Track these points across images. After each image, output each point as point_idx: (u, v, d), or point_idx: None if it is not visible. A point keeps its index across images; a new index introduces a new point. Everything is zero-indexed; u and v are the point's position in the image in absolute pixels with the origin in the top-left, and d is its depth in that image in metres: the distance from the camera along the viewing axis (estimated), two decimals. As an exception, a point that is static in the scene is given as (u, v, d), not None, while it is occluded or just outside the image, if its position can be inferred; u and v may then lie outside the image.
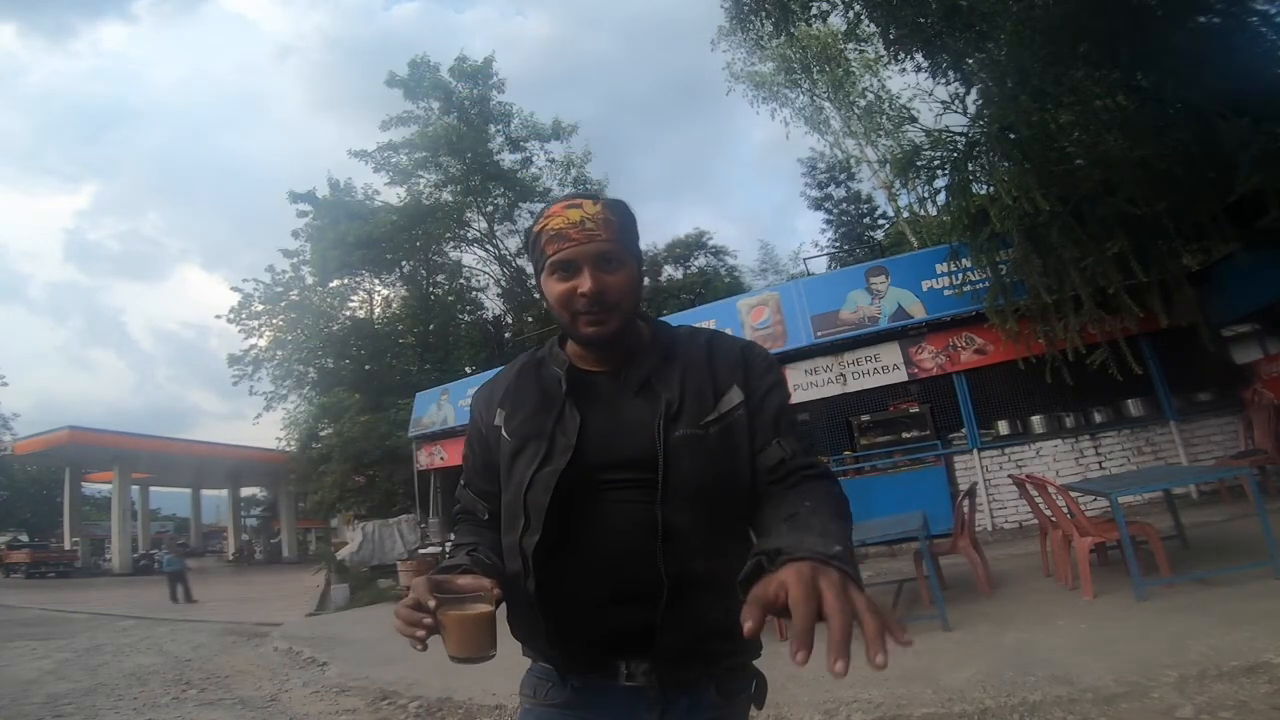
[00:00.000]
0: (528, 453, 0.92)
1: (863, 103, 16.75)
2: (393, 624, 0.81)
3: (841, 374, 7.90)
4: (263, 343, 20.29)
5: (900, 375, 7.67)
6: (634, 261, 0.95)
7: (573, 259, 0.89)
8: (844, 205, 23.08)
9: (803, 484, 0.88)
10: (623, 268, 0.91)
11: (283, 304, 20.29)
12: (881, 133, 16.62)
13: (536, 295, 21.10)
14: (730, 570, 0.83)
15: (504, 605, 0.90)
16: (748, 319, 8.46)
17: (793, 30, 9.10)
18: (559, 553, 0.88)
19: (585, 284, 0.88)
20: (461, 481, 1.07)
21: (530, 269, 1.01)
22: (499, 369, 1.10)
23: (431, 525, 11.94)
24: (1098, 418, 7.15)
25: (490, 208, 21.13)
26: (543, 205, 0.98)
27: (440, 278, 21.42)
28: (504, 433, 0.97)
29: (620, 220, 0.93)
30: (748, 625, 0.61)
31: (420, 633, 0.78)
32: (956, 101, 7.37)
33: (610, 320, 0.90)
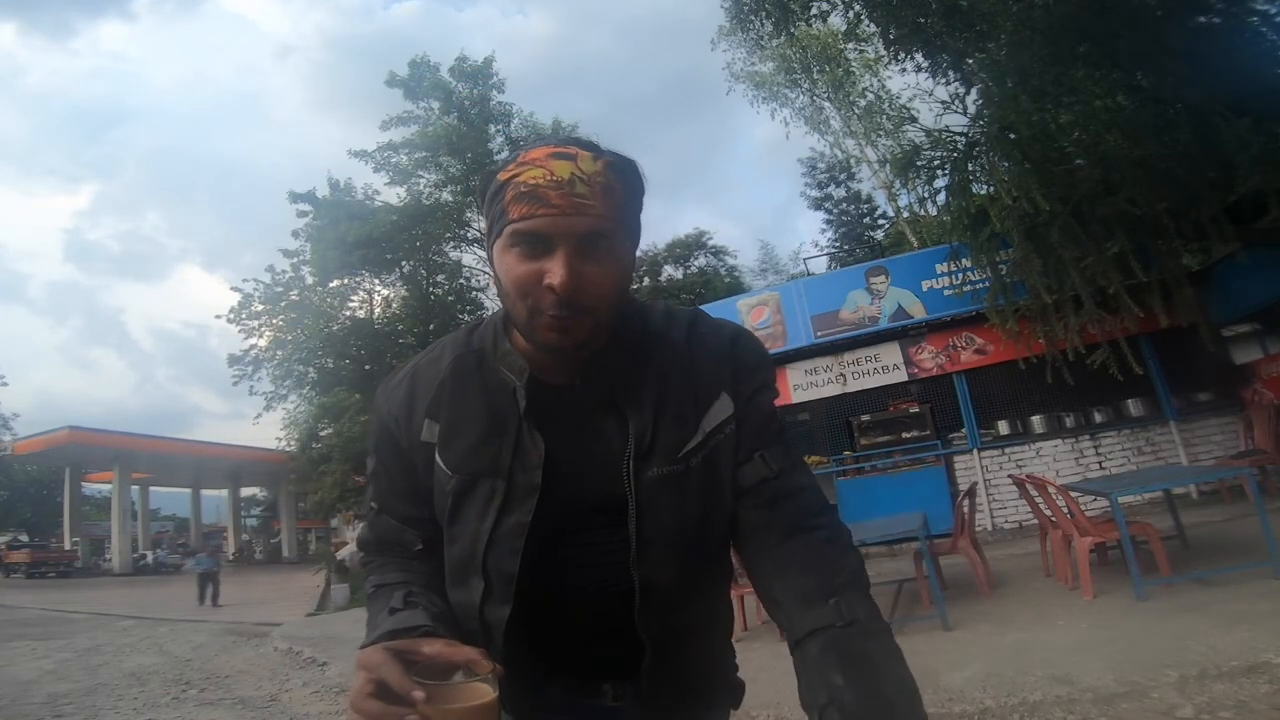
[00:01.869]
0: (480, 494, 0.71)
1: (863, 103, 16.75)
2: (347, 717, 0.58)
3: (841, 374, 7.90)
4: (263, 343, 20.28)
5: (900, 375, 7.67)
6: (630, 244, 0.70)
7: (545, 233, 0.62)
8: (844, 205, 23.09)
9: (806, 544, 0.70)
10: (611, 257, 0.66)
11: (283, 304, 20.28)
12: (881, 133, 16.63)
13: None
14: (715, 616, 0.81)
15: None
16: (748, 319, 8.46)
17: (793, 30, 9.10)
18: (524, 623, 0.72)
19: (557, 274, 0.62)
20: (374, 506, 0.81)
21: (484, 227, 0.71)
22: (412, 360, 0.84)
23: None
24: (1098, 418, 7.16)
25: (490, 208, 21.13)
26: (519, 144, 0.70)
27: (440, 278, 21.42)
28: (440, 462, 0.73)
29: (625, 188, 0.67)
30: None
31: None
32: (956, 101, 7.37)
33: (578, 328, 0.65)
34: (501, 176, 0.66)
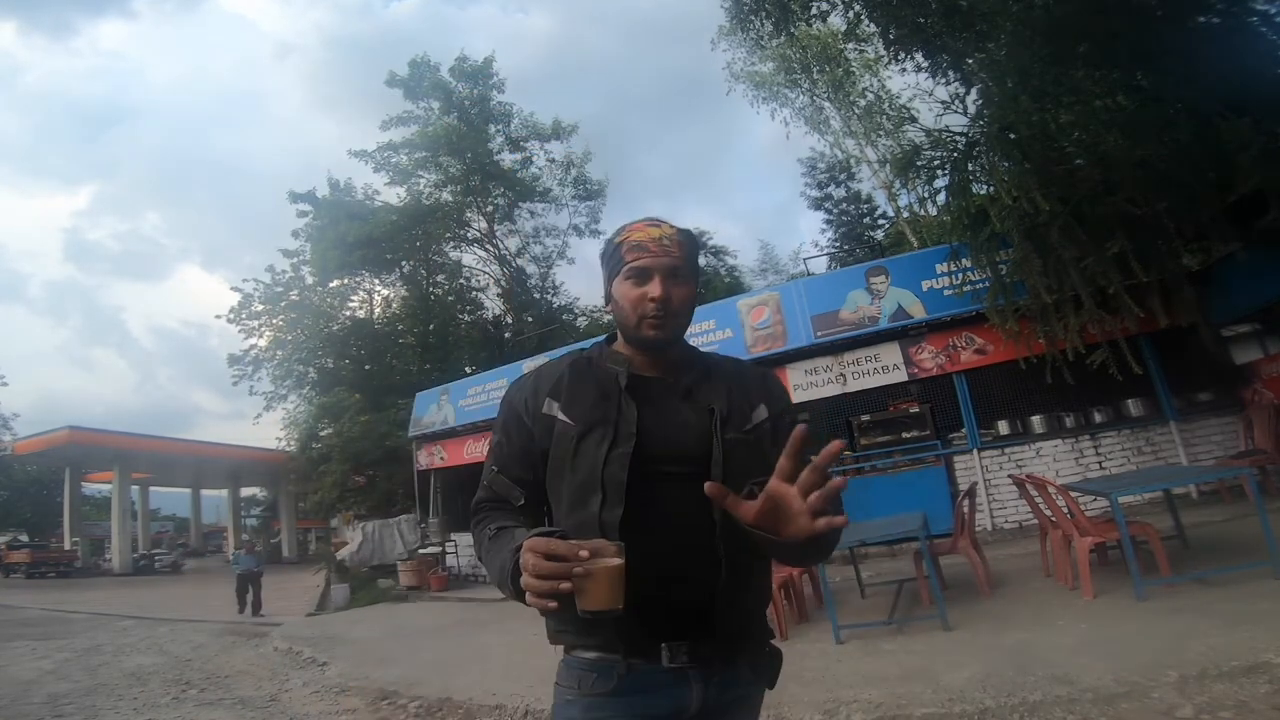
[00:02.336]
0: (595, 435, 0.99)
1: (863, 103, 16.75)
2: (525, 583, 0.81)
3: (841, 374, 7.90)
4: (263, 343, 20.30)
5: (900, 375, 7.67)
6: (695, 281, 1.09)
7: (649, 268, 1.01)
8: (844, 205, 23.10)
9: None
10: (686, 285, 1.05)
11: (283, 304, 20.28)
12: (881, 133, 16.63)
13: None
14: (762, 559, 1.01)
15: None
16: (748, 319, 8.46)
17: (793, 30, 9.11)
18: (630, 532, 0.92)
19: (656, 290, 1.00)
20: (494, 468, 1.09)
21: (601, 275, 1.12)
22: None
23: (431, 525, 11.93)
24: (1098, 418, 7.15)
25: (490, 208, 21.16)
26: (622, 227, 1.09)
27: (440, 278, 21.43)
28: (563, 418, 1.03)
29: (689, 246, 1.06)
30: (708, 487, 0.82)
31: (566, 585, 0.78)
32: (956, 101, 7.38)
33: (669, 327, 1.02)
34: (616, 240, 1.06)
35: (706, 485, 0.82)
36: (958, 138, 6.80)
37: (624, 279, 1.04)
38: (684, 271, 1.04)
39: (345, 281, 20.68)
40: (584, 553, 0.78)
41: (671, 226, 1.06)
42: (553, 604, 0.78)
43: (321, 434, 17.47)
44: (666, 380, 1.07)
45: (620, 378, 1.04)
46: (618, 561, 0.81)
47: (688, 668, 0.94)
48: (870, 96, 16.64)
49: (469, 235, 21.47)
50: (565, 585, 0.77)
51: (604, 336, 1.18)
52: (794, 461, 0.79)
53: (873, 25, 8.02)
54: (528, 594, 0.81)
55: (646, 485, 0.96)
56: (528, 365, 10.37)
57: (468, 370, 17.26)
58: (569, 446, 1.01)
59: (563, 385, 1.06)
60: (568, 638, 1.01)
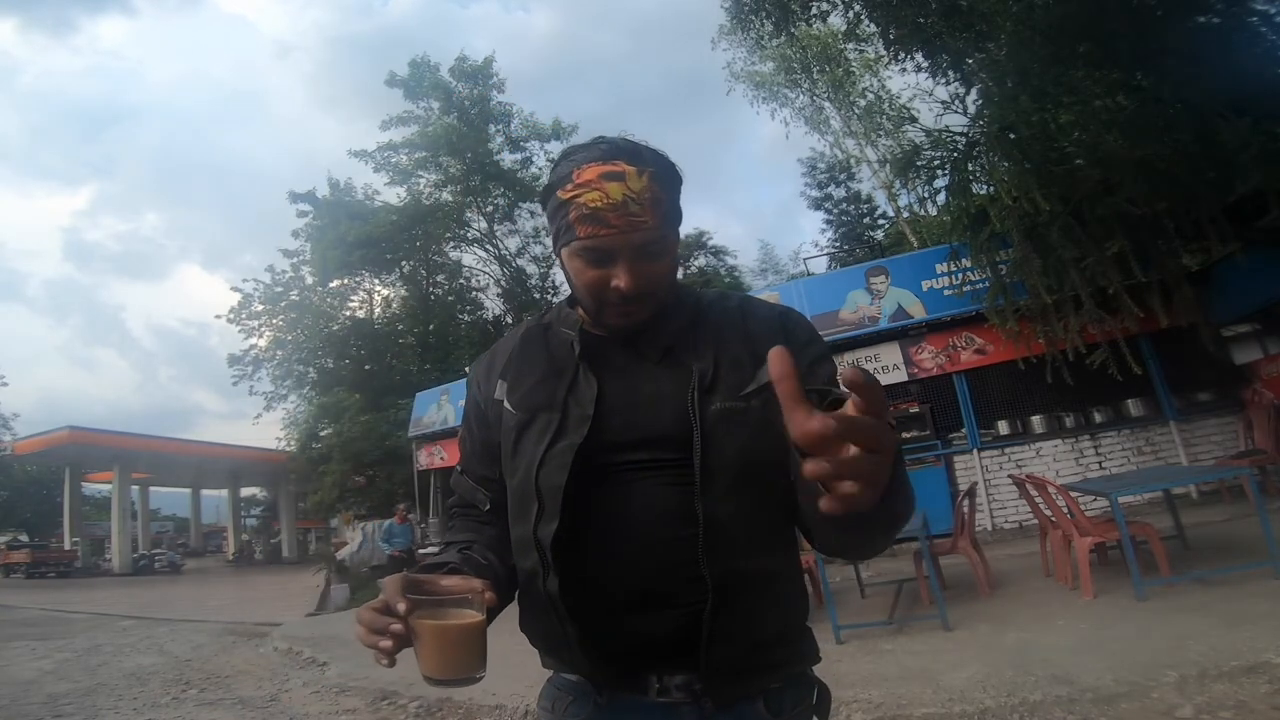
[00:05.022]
0: (537, 426, 0.80)
1: (863, 103, 16.76)
2: (356, 635, 0.67)
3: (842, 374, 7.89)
4: (263, 343, 20.34)
5: (900, 375, 7.67)
6: (675, 241, 0.81)
7: (609, 248, 0.74)
8: (844, 205, 23.09)
9: None
10: (663, 255, 0.77)
11: (283, 304, 20.31)
12: (881, 133, 16.63)
13: (537, 274, 21.47)
14: (781, 568, 0.78)
15: (518, 607, 0.81)
16: (748, 319, 8.45)
17: (793, 30, 9.10)
18: (579, 546, 0.75)
19: (623, 280, 0.74)
20: (458, 469, 0.93)
21: (547, 229, 0.85)
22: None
23: (431, 525, 11.94)
24: (1098, 418, 7.15)
25: (490, 208, 21.16)
26: (569, 156, 0.78)
27: (440, 278, 21.45)
28: (507, 405, 0.83)
29: (668, 196, 0.77)
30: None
31: (386, 643, 0.63)
32: (956, 101, 7.37)
33: (641, 311, 0.78)
34: (561, 195, 0.76)
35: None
36: (958, 138, 6.80)
37: (575, 256, 0.76)
38: (660, 240, 0.76)
39: (345, 281, 20.70)
40: (402, 606, 0.63)
41: (640, 170, 0.74)
42: (384, 661, 0.64)
43: (321, 434, 17.50)
44: (636, 338, 0.81)
45: (574, 343, 0.82)
46: (463, 620, 0.64)
47: (680, 703, 0.76)
48: (870, 96, 16.65)
49: (469, 235, 21.48)
50: (385, 643, 0.63)
51: (567, 298, 0.90)
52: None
53: (873, 25, 8.02)
54: None
55: (609, 482, 0.76)
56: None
57: (468, 370, 17.19)
58: (510, 441, 0.82)
59: (513, 361, 0.87)
60: (541, 655, 0.85)
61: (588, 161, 0.75)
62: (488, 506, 0.88)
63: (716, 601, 0.71)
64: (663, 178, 0.76)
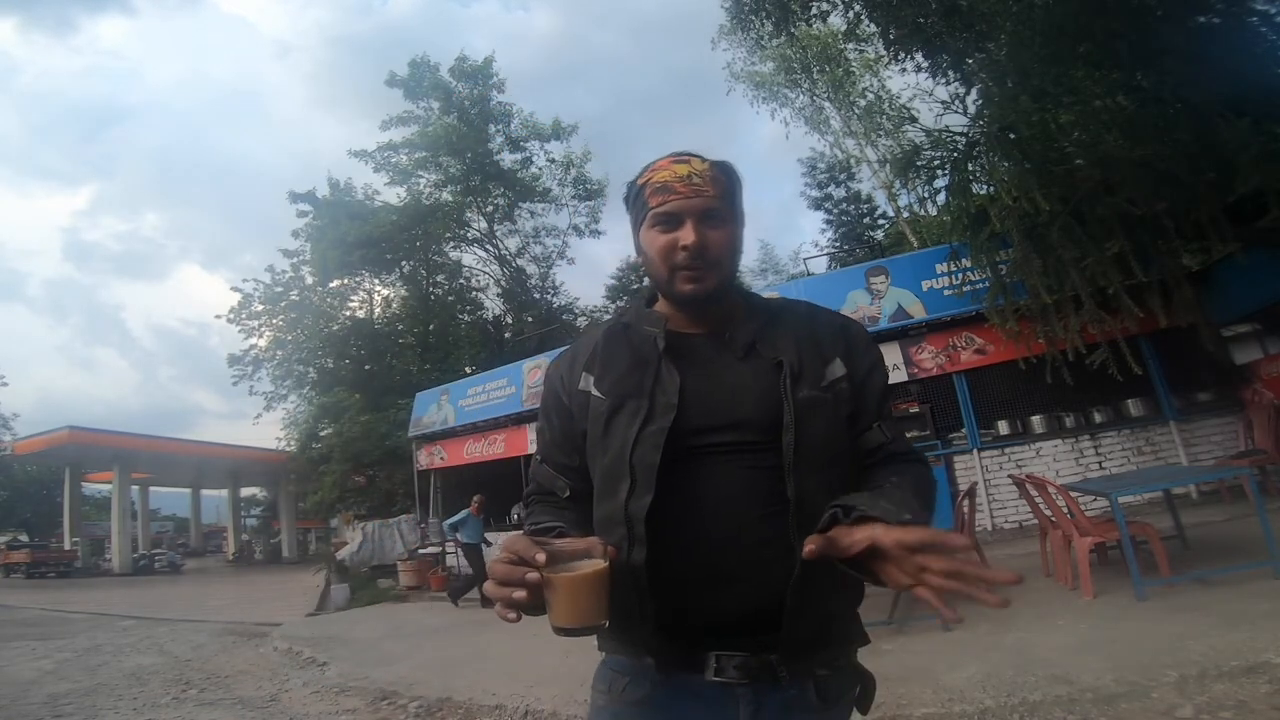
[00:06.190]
0: (627, 411, 0.86)
1: (863, 103, 16.77)
2: (486, 589, 0.71)
3: (841, 374, 7.89)
4: (263, 343, 20.30)
5: (900, 375, 7.66)
6: (738, 222, 0.91)
7: (677, 212, 0.85)
8: (844, 205, 23.08)
9: (894, 462, 0.88)
10: (726, 225, 0.88)
11: (283, 304, 20.28)
12: (881, 133, 16.65)
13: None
14: None
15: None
16: (748, 319, 8.44)
17: (793, 30, 9.09)
18: (666, 523, 0.79)
19: (688, 237, 0.84)
20: (538, 458, 0.99)
21: (629, 222, 0.96)
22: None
23: (431, 525, 11.93)
24: (1098, 418, 7.15)
25: (490, 208, 21.15)
26: (648, 165, 0.92)
27: (440, 278, 21.42)
28: (595, 393, 0.90)
29: (727, 180, 0.89)
30: (809, 548, 0.65)
31: (520, 594, 0.66)
32: (956, 101, 7.37)
33: (709, 278, 0.86)
34: (639, 182, 0.91)
35: (806, 547, 0.67)
36: (958, 138, 6.80)
37: (650, 227, 0.88)
38: (721, 211, 0.87)
39: (345, 281, 20.68)
40: (540, 556, 0.67)
41: (703, 160, 0.89)
42: (511, 615, 0.68)
43: (321, 434, 17.48)
44: (720, 336, 0.91)
45: (658, 340, 0.89)
46: (589, 570, 0.68)
47: (736, 683, 0.80)
48: (870, 96, 16.67)
49: (469, 235, 21.47)
50: (519, 594, 0.66)
51: (643, 297, 1.02)
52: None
53: (873, 25, 8.01)
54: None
55: (695, 464, 0.82)
56: (528, 365, 10.37)
57: (468, 370, 17.25)
58: (600, 425, 0.88)
59: (597, 356, 0.94)
60: (600, 638, 0.88)
61: (662, 158, 0.91)
62: (567, 493, 0.94)
63: (803, 574, 0.76)
64: (725, 169, 0.90)
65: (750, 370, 0.87)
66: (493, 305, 22.14)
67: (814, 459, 0.80)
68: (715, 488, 0.81)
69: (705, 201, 0.85)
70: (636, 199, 0.91)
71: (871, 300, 7.79)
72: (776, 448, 0.80)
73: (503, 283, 21.80)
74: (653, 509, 0.79)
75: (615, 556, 0.73)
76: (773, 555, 0.78)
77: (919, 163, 6.93)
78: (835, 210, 23.19)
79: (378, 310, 21.68)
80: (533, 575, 0.67)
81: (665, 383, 0.85)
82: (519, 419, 10.21)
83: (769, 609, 0.77)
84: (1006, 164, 6.36)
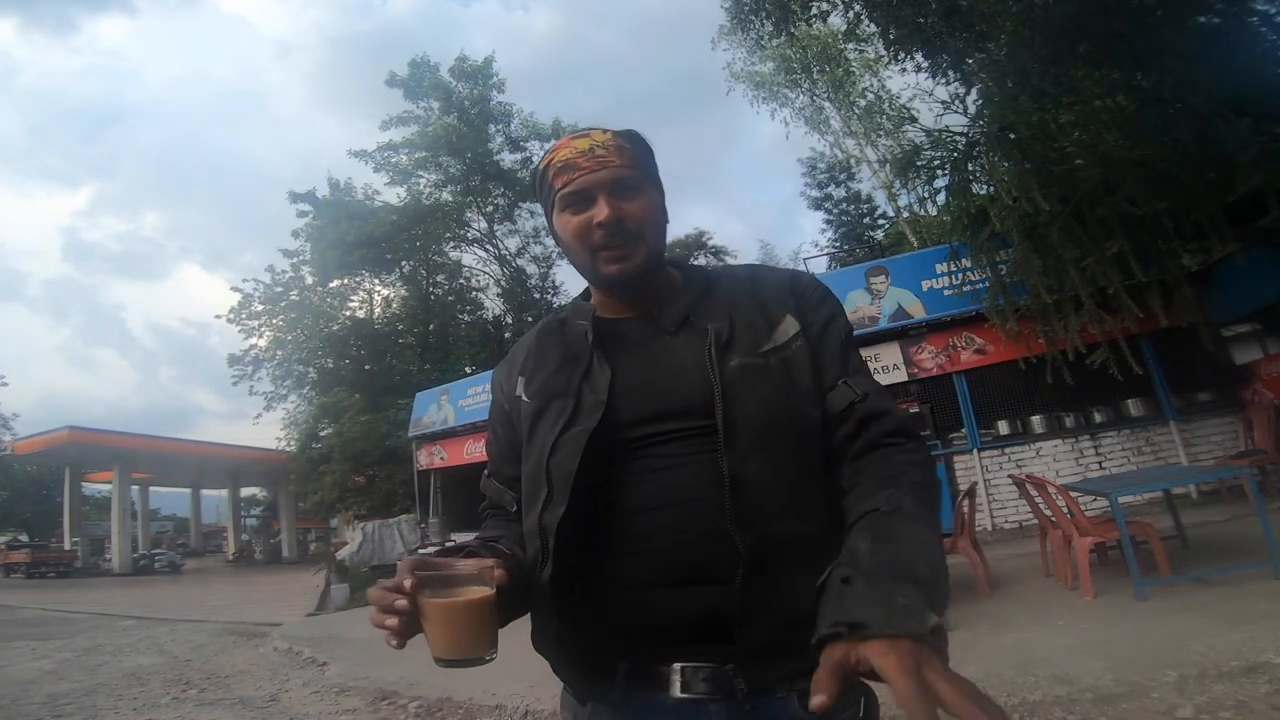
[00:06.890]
0: (550, 414, 0.79)
1: (863, 103, 16.77)
2: (369, 615, 0.65)
3: (841, 374, 7.89)
4: (263, 343, 20.32)
5: (900, 375, 7.66)
6: (655, 189, 0.84)
7: (585, 188, 0.78)
8: (844, 205, 23.07)
9: (880, 457, 0.73)
10: (641, 194, 0.80)
11: (283, 304, 20.30)
12: (881, 133, 16.65)
13: (539, 271, 21.49)
14: (818, 535, 0.72)
15: (529, 613, 0.78)
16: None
17: (793, 30, 9.09)
18: (594, 531, 0.73)
19: (601, 212, 0.77)
20: (486, 473, 0.93)
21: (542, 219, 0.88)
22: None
23: (431, 525, 11.94)
24: (1098, 418, 7.15)
25: (490, 208, 21.15)
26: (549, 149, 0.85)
27: (440, 278, 21.43)
28: (524, 397, 0.84)
29: (634, 147, 0.82)
30: (818, 699, 0.51)
31: (391, 621, 0.62)
32: (956, 101, 7.37)
33: (635, 254, 0.79)
34: (541, 166, 0.84)
35: (815, 699, 0.52)
36: (958, 138, 6.80)
37: (560, 211, 0.81)
38: (633, 179, 0.79)
39: (345, 281, 20.69)
40: (408, 582, 0.62)
41: (604, 131, 0.81)
42: (393, 642, 0.63)
43: (321, 434, 17.49)
44: (651, 316, 0.82)
45: (588, 332, 0.82)
46: (465, 597, 0.62)
47: (706, 698, 0.70)
48: (870, 96, 16.67)
49: (469, 235, 21.47)
50: (390, 621, 0.62)
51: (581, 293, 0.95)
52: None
53: (873, 25, 8.02)
54: None
55: (634, 460, 0.74)
56: (528, 365, 10.37)
57: (468, 370, 17.25)
58: (525, 430, 0.83)
59: (530, 357, 0.88)
60: (549, 660, 0.80)
61: (561, 138, 0.86)
62: (514, 508, 0.86)
63: (749, 570, 0.67)
64: (630, 137, 0.83)
65: (687, 345, 0.78)
66: (493, 305, 22.16)
67: (752, 435, 0.71)
68: (657, 483, 0.73)
69: (614, 172, 0.78)
70: (542, 185, 0.83)
71: (871, 300, 7.79)
72: (715, 432, 0.72)
73: (503, 283, 21.81)
74: (568, 519, 0.71)
75: (504, 581, 0.65)
76: (715, 552, 0.69)
77: (919, 163, 6.92)
78: (835, 210, 23.20)
79: (378, 310, 21.71)
80: (401, 602, 0.62)
81: (595, 378, 0.78)
82: (519, 419, 10.20)
83: (723, 612, 0.68)
84: (1006, 164, 6.36)
